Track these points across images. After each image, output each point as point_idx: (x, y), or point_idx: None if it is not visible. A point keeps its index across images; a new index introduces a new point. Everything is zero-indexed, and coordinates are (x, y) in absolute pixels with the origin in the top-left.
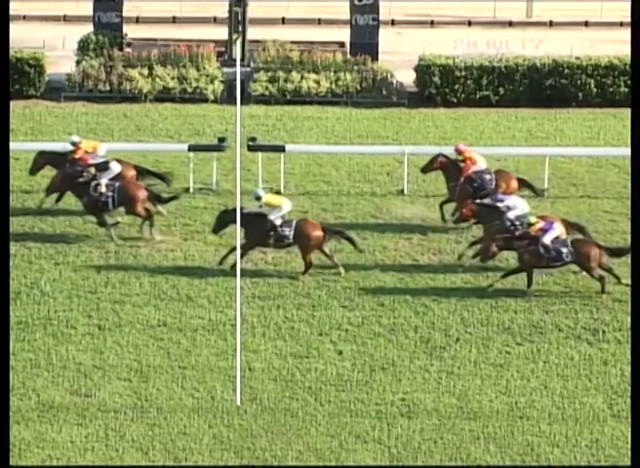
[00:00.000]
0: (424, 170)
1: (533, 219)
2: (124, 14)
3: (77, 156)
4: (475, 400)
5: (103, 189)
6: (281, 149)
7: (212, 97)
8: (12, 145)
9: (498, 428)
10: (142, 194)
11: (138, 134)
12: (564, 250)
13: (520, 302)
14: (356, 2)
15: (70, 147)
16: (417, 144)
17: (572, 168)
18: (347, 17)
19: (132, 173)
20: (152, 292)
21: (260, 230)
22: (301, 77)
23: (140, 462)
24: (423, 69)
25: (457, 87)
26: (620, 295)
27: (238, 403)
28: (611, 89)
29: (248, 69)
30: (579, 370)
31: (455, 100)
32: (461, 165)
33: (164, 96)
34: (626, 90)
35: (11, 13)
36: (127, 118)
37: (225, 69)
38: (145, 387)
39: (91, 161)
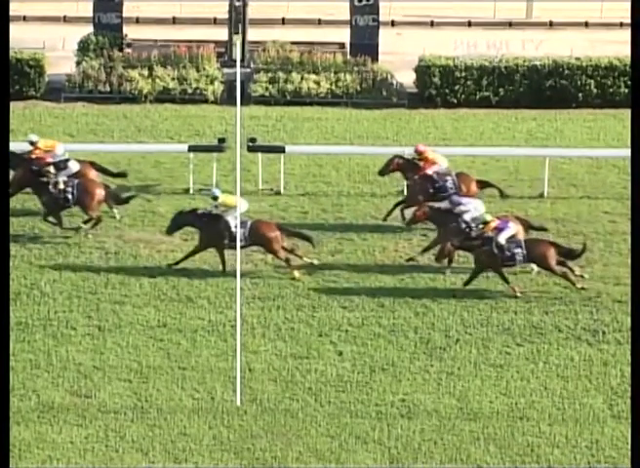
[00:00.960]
0: (382, 172)
1: (488, 218)
2: (124, 14)
3: (35, 155)
4: (475, 401)
5: (62, 186)
6: (281, 150)
7: (212, 97)
8: (12, 145)
9: (498, 429)
10: (101, 193)
11: (138, 134)
12: (517, 250)
13: (520, 303)
14: (356, 3)
15: (29, 147)
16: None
17: (572, 169)
18: (347, 17)
19: (90, 171)
20: (152, 292)
21: (215, 231)
22: (302, 78)
23: (140, 463)
24: (423, 70)
25: (457, 88)
26: (620, 296)
27: (238, 403)
28: (611, 90)
29: (248, 70)
30: (578, 370)
31: (455, 101)
32: (420, 165)
33: (164, 96)
34: (626, 90)
35: (11, 13)
36: (127, 119)
37: (225, 70)
38: (145, 388)
39: (49, 160)
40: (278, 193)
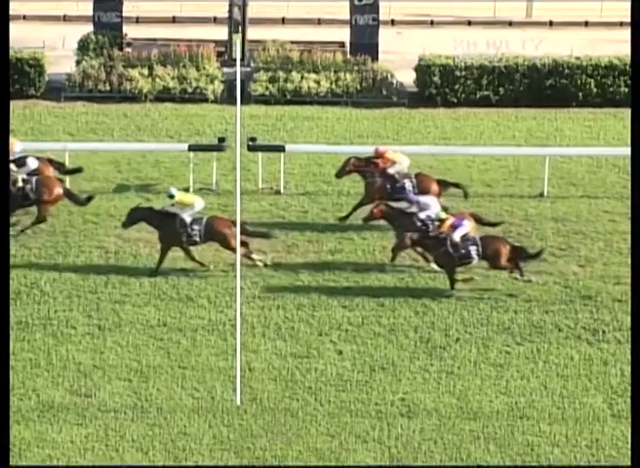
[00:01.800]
0: (338, 175)
1: (443, 216)
2: (124, 14)
3: None
4: (475, 400)
5: (21, 183)
6: (281, 149)
7: (212, 96)
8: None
9: (498, 428)
10: (59, 191)
11: (138, 133)
12: (473, 248)
13: (520, 302)
14: (356, 2)
15: None
16: (417, 144)
17: (572, 168)
18: (347, 17)
19: (49, 168)
20: (152, 292)
21: (171, 229)
22: (302, 77)
23: (141, 462)
24: (423, 69)
25: (457, 87)
26: (620, 295)
27: (238, 403)
28: (611, 89)
29: (248, 69)
30: (578, 370)
31: (455, 100)
32: (379, 164)
33: (164, 95)
34: (626, 90)
35: (11, 13)
36: (127, 118)
37: (225, 69)
38: (145, 387)
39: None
40: (278, 192)
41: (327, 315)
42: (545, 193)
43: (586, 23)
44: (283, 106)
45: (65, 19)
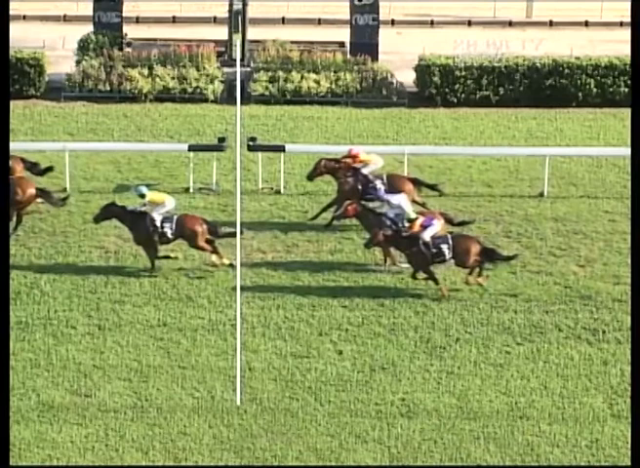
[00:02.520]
0: (310, 177)
1: (413, 216)
2: (124, 14)
3: None
4: (475, 400)
5: None
6: (281, 149)
7: (212, 96)
8: (12, 145)
9: (498, 428)
10: (32, 191)
11: (138, 133)
12: (444, 246)
13: (520, 302)
14: (356, 2)
15: None
16: (417, 144)
17: (572, 168)
18: (347, 17)
19: (19, 166)
20: (152, 291)
21: (142, 228)
22: (301, 77)
23: (140, 462)
24: (423, 69)
25: (457, 87)
26: (620, 295)
27: (238, 403)
28: (611, 89)
29: (248, 69)
30: (578, 369)
31: (455, 100)
32: (351, 165)
33: (164, 95)
34: (626, 90)
35: (11, 13)
36: (127, 118)
37: (225, 69)
38: (145, 387)
39: None
40: (278, 192)
41: (327, 315)
42: (545, 193)
43: (586, 23)
44: (283, 106)
45: (65, 18)
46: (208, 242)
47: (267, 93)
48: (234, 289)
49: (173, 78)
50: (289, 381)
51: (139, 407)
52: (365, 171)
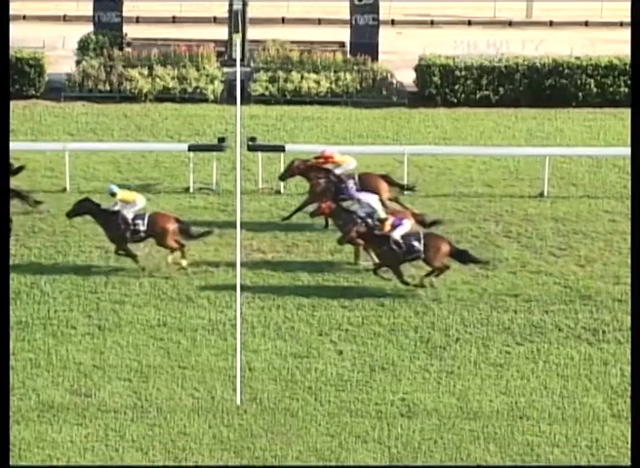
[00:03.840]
0: (282, 177)
1: (383, 215)
2: (124, 13)
3: None
4: (475, 400)
5: None
6: (281, 149)
7: (212, 96)
8: (12, 145)
9: (497, 428)
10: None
11: (138, 133)
12: (416, 243)
13: (520, 302)
14: (356, 2)
15: None
16: (417, 144)
17: (572, 168)
18: (347, 17)
19: None
20: (152, 292)
21: (115, 227)
22: (301, 77)
23: (140, 462)
24: (423, 69)
25: (457, 87)
26: (620, 295)
27: (238, 403)
28: (611, 89)
29: (248, 69)
30: (578, 369)
31: (455, 100)
32: (323, 166)
33: (164, 95)
34: (626, 90)
35: (11, 13)
36: (127, 118)
37: (225, 69)
38: (145, 387)
39: None
40: (278, 192)
41: (327, 315)
42: (545, 193)
43: (586, 23)
44: (283, 106)
45: (65, 19)
46: (177, 241)
47: (267, 93)
48: (234, 289)
49: (173, 78)
50: (289, 381)
51: (139, 407)
52: (337, 171)
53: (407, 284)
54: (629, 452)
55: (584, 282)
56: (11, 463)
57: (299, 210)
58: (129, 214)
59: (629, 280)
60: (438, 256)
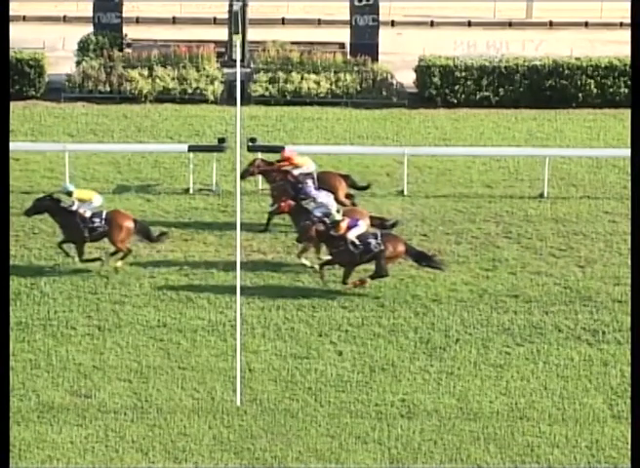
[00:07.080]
0: (243, 176)
1: (338, 217)
2: (124, 14)
3: None
4: (475, 401)
5: None
6: (281, 150)
7: (212, 97)
8: (12, 146)
9: (498, 429)
10: None
11: (138, 134)
12: (372, 241)
13: (520, 303)
14: (356, 3)
15: None
16: (416, 145)
17: (572, 168)
18: (347, 17)
19: None
20: (152, 292)
21: (72, 225)
22: (301, 78)
23: (140, 463)
24: (423, 70)
25: (457, 87)
26: (620, 296)
27: (238, 403)
28: (611, 89)
29: (248, 70)
30: (578, 370)
31: (455, 101)
32: (283, 167)
33: (164, 96)
34: (626, 90)
35: (11, 13)
36: (127, 119)
37: (225, 70)
38: (145, 388)
39: None
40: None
41: (327, 316)
42: (545, 194)
43: (586, 24)
44: (283, 107)
45: (65, 19)
46: (128, 248)
47: (267, 93)
48: (234, 289)
49: (173, 79)
50: (289, 382)
51: (138, 407)
52: (295, 172)
53: (346, 284)
54: (629, 453)
55: (584, 283)
56: (11, 464)
57: (271, 218)
58: (86, 213)
59: (629, 281)
60: (394, 258)
